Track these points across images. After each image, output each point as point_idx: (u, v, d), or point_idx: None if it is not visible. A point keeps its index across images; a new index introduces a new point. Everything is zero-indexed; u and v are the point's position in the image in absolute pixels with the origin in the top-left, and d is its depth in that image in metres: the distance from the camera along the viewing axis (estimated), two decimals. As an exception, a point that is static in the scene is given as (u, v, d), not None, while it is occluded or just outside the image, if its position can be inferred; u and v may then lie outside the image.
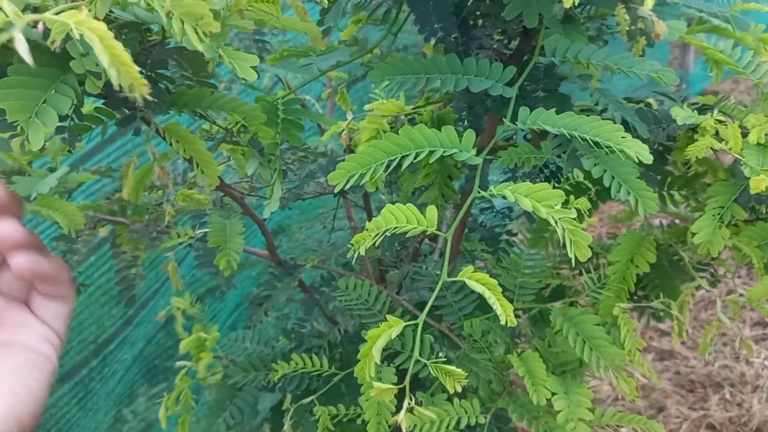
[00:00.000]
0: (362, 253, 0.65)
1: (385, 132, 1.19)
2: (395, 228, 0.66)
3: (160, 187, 0.97)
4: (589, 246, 1.39)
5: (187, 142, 0.79)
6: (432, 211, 0.68)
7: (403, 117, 1.23)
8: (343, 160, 1.32)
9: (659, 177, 1.14)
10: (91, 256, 1.89)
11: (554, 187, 1.09)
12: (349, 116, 1.19)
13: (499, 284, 1.23)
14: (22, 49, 0.49)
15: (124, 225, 1.10)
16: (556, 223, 0.64)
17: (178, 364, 1.31)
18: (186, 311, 1.49)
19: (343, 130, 1.23)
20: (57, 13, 0.56)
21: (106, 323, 2.18)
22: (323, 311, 1.27)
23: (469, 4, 0.98)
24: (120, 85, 0.55)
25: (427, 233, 1.38)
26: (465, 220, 1.25)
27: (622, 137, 0.71)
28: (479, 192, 0.73)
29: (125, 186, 0.80)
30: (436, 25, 0.93)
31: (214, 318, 2.41)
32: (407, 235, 1.39)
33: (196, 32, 0.56)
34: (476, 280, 0.65)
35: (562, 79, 1.02)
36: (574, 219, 0.65)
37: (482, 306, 1.25)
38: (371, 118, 1.18)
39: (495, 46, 1.01)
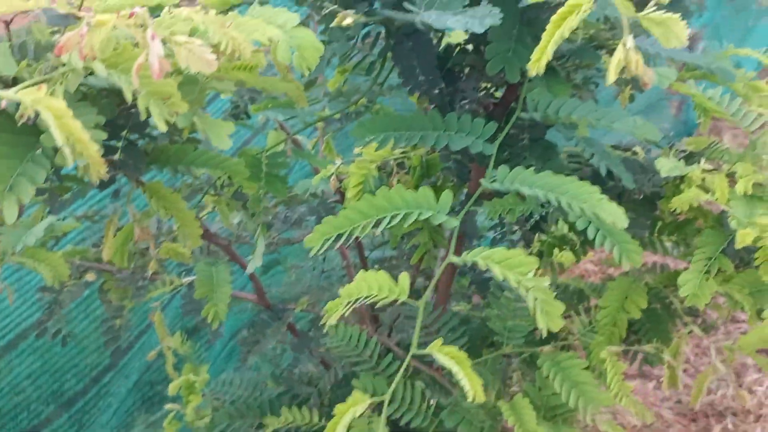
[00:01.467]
0: (333, 322, 0.65)
1: (373, 177, 1.20)
2: (367, 297, 0.66)
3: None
4: (581, 287, 1.38)
5: (169, 201, 0.79)
6: (404, 278, 0.68)
7: (392, 162, 1.24)
8: (333, 205, 1.33)
9: (648, 222, 1.13)
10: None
11: (539, 240, 1.09)
12: (338, 161, 1.19)
13: (489, 328, 1.23)
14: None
15: (111, 273, 1.10)
16: (527, 292, 0.64)
17: (167, 407, 1.31)
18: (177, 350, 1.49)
19: (332, 175, 1.23)
20: (21, 90, 0.57)
21: (103, 353, 2.17)
22: (314, 355, 1.27)
23: (453, 56, 0.99)
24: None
25: (421, 268, 1.37)
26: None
27: (598, 199, 0.71)
28: (454, 258, 0.72)
29: (105, 247, 0.80)
30: (420, 78, 0.93)
31: (209, 349, 2.40)
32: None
33: (162, 111, 0.56)
34: (445, 353, 0.64)
35: (548, 127, 1.02)
36: (546, 287, 0.64)
37: (473, 348, 1.24)
38: (360, 163, 1.18)
39: (481, 95, 1.01)
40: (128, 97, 0.56)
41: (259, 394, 1.27)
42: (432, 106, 1.02)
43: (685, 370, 3.09)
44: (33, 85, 0.58)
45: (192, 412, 1.32)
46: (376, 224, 0.72)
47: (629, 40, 0.56)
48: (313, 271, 1.39)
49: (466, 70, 1.01)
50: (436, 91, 0.98)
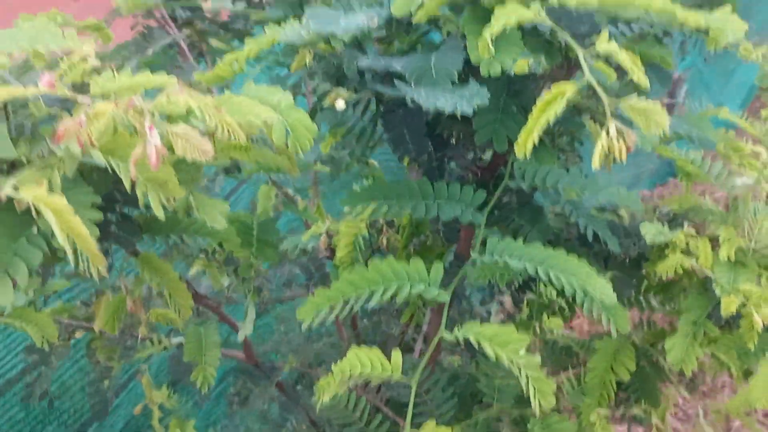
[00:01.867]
0: (326, 400, 0.65)
1: (363, 236, 1.21)
2: (360, 373, 0.66)
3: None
4: (569, 344, 1.38)
5: (161, 272, 0.80)
6: (396, 355, 0.68)
7: (381, 220, 1.25)
8: (324, 262, 1.33)
9: (635, 281, 1.14)
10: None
11: (527, 304, 1.10)
12: (327, 223, 1.20)
13: (477, 389, 1.23)
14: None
15: (100, 332, 1.10)
16: (519, 370, 0.64)
17: (153, 466, 1.28)
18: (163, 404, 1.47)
19: (321, 234, 1.24)
20: (22, 179, 0.57)
21: (86, 404, 2.14)
22: (303, 411, 1.26)
23: (442, 123, 1.01)
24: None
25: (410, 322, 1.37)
26: (440, 321, 1.25)
27: (587, 274, 0.72)
28: (445, 334, 0.73)
29: (98, 319, 0.80)
30: (409, 145, 0.95)
31: (197, 394, 2.37)
32: (388, 327, 1.36)
33: (159, 197, 0.57)
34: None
35: (535, 190, 1.04)
36: (538, 365, 0.65)
37: (463, 406, 1.24)
38: (350, 222, 1.20)
39: (469, 160, 1.03)
40: (127, 185, 0.57)
41: (247, 454, 1.25)
42: (421, 170, 1.04)
43: (674, 414, 3.08)
44: (33, 171, 0.59)
45: (179, 470, 1.31)
46: (369, 297, 0.73)
47: (612, 128, 0.58)
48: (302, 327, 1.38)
49: (455, 135, 1.04)
50: (425, 157, 1.00)
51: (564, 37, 0.71)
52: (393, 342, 1.47)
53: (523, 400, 1.29)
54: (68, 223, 0.49)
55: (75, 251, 0.51)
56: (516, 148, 0.64)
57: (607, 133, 0.59)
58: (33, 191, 0.49)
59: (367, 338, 1.52)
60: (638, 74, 0.62)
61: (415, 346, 1.49)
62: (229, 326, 1.09)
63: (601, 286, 0.71)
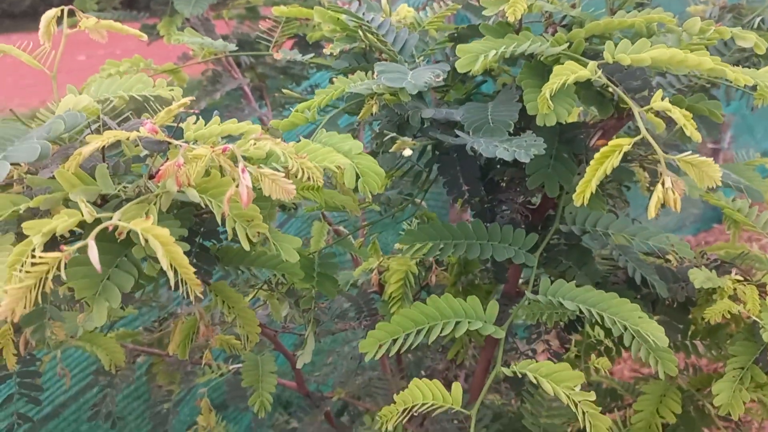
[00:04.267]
0: (390, 428, 0.69)
1: (413, 273, 1.25)
2: (422, 405, 0.70)
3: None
4: (613, 387, 1.39)
5: (233, 301, 0.85)
6: (457, 388, 0.72)
7: (431, 258, 1.30)
8: (372, 297, 1.38)
9: (682, 326, 1.16)
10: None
11: (574, 344, 1.12)
12: (380, 259, 1.25)
13: (521, 423, 1.25)
14: (93, 257, 0.56)
15: (161, 356, 1.15)
16: (575, 406, 0.67)
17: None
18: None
19: (373, 269, 1.29)
20: (126, 212, 0.64)
21: (132, 427, 2.20)
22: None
23: (494, 167, 1.06)
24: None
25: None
26: (489, 358, 1.28)
27: (639, 317, 0.75)
28: (501, 370, 0.76)
29: (172, 343, 0.85)
30: (463, 188, 1.00)
31: (239, 421, 2.40)
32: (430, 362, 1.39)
33: (246, 231, 0.63)
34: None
35: (585, 233, 1.07)
36: (594, 401, 0.68)
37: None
38: (400, 259, 1.24)
39: (519, 203, 1.07)
40: (219, 220, 0.63)
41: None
42: (473, 212, 1.09)
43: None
44: (132, 205, 0.65)
45: (226, 497, 1.34)
46: (428, 332, 0.77)
47: (667, 181, 0.62)
48: (350, 359, 1.42)
49: (506, 179, 1.08)
50: (478, 199, 1.05)
51: (618, 92, 0.75)
52: (437, 377, 1.49)
53: (566, 440, 1.30)
54: (171, 252, 0.55)
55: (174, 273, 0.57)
56: (574, 197, 0.68)
57: (663, 185, 0.62)
58: (141, 223, 0.55)
59: (411, 373, 1.55)
60: (691, 130, 0.66)
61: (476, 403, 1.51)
62: (283, 355, 1.14)
63: (653, 330, 0.74)
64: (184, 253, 0.78)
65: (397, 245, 1.33)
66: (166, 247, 0.54)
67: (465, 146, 1.02)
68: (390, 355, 1.50)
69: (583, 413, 0.68)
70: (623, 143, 0.64)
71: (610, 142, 0.65)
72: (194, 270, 0.79)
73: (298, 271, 0.91)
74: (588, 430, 0.68)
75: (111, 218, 0.61)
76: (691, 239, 4.26)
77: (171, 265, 0.55)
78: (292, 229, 2.31)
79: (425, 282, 1.30)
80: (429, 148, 1.02)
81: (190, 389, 2.19)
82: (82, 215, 0.61)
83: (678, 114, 0.66)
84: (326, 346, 1.72)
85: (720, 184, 0.63)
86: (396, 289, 1.22)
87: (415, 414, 1.37)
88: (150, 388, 1.25)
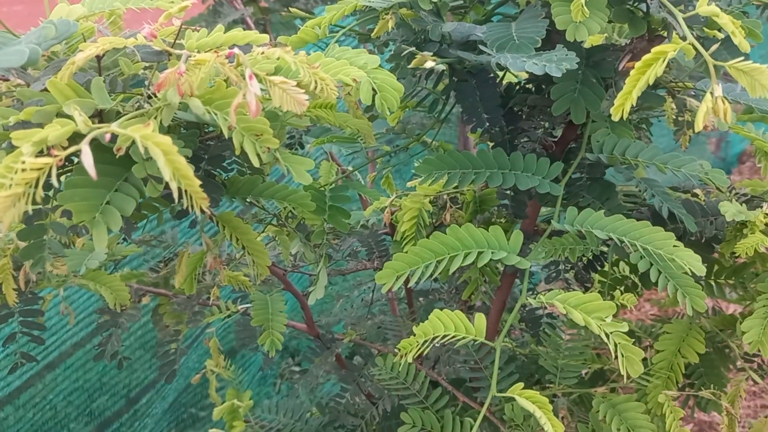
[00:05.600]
0: (410, 360, 0.65)
1: (427, 211, 1.20)
2: (443, 337, 0.66)
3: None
4: (631, 329, 1.36)
5: (240, 231, 0.81)
6: (480, 319, 0.68)
7: (445, 196, 1.24)
8: (383, 238, 1.33)
9: (706, 265, 1.12)
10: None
11: (599, 280, 1.08)
12: (393, 196, 1.20)
13: (540, 366, 1.22)
14: (88, 163, 0.51)
15: (167, 297, 1.12)
16: (607, 337, 0.63)
17: (211, 431, 1.31)
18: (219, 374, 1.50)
19: (385, 208, 1.24)
20: (124, 124, 0.59)
21: (140, 375, 2.19)
22: (360, 388, 1.27)
23: (514, 95, 1.00)
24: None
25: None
26: (504, 298, 1.24)
27: (674, 246, 0.71)
28: (527, 301, 0.72)
29: (178, 276, 0.81)
30: (483, 116, 0.94)
31: (247, 369, 2.40)
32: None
33: (255, 147, 0.58)
34: (527, 397, 0.64)
35: (608, 167, 1.02)
36: (626, 333, 0.64)
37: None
38: (413, 197, 1.19)
39: (540, 135, 1.02)
40: (226, 133, 0.57)
41: (304, 424, 1.27)
42: (491, 144, 1.03)
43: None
44: (130, 119, 0.60)
45: (236, 438, 1.33)
46: (449, 262, 0.72)
47: (717, 89, 0.56)
48: (362, 300, 1.39)
49: (527, 109, 1.02)
50: (497, 129, 0.99)
51: (667, 4, 0.69)
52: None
53: (584, 382, 1.27)
54: (173, 161, 0.50)
55: (179, 190, 0.52)
56: (612, 111, 0.63)
57: (712, 93, 0.57)
58: (141, 130, 0.50)
59: (421, 317, 1.52)
60: (740, 38, 0.60)
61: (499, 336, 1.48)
62: (293, 295, 1.10)
63: (689, 258, 0.69)
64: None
65: (409, 183, 1.29)
66: (167, 156, 0.49)
67: (485, 72, 0.96)
68: (401, 295, 1.47)
69: (615, 345, 0.64)
70: (668, 49, 0.58)
71: (653, 49, 0.59)
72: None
73: (309, 203, 0.86)
74: (621, 361, 0.64)
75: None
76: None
77: (174, 176, 0.50)
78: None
79: (439, 221, 1.25)
80: (446, 73, 0.96)
81: (198, 336, 2.18)
82: (76, 125, 0.56)
83: (726, 19, 0.60)
84: (336, 291, 1.69)
85: (771, 93, 0.57)
86: (409, 227, 1.17)
87: (434, 347, 1.33)
88: (157, 330, 1.22)
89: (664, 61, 0.58)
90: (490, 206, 1.19)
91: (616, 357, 0.64)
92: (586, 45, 0.95)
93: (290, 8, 0.98)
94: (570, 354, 1.15)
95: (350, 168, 1.48)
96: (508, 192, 1.07)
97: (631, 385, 1.11)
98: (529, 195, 1.05)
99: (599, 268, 1.13)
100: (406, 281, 1.39)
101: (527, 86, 1.02)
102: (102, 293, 1.03)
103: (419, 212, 1.18)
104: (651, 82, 0.59)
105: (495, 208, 1.22)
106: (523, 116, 1.02)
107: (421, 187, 1.21)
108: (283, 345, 1.02)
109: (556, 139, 1.04)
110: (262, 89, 0.56)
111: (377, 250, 1.32)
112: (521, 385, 0.67)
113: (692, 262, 0.69)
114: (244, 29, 1.45)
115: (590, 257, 1.11)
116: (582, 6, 0.67)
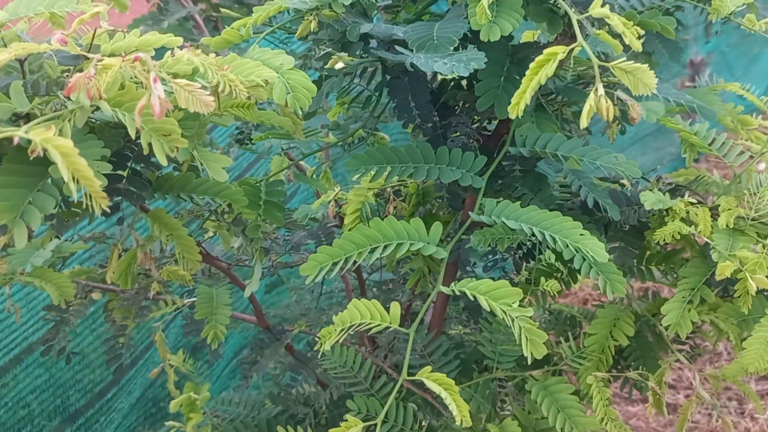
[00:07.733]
0: (327, 348, 0.68)
1: (370, 203, 1.23)
2: (360, 324, 0.69)
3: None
4: (571, 313, 1.40)
5: (170, 227, 0.83)
6: (395, 307, 0.71)
7: (389, 189, 1.28)
8: (333, 230, 1.36)
9: (637, 251, 1.16)
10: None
11: (527, 269, 1.12)
12: (336, 189, 1.23)
13: (480, 353, 1.26)
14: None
15: (115, 293, 1.14)
16: (512, 321, 0.67)
17: (167, 424, 1.34)
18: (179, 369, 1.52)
19: (330, 201, 1.27)
20: (34, 127, 0.61)
21: (108, 369, 2.21)
22: (311, 375, 1.30)
23: (447, 91, 1.03)
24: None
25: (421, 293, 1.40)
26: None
27: (581, 235, 0.74)
28: (443, 288, 0.76)
29: (110, 270, 0.84)
30: (414, 112, 0.97)
31: (213, 367, 2.43)
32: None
33: (163, 146, 0.60)
34: (434, 380, 0.67)
35: (538, 160, 1.05)
36: (530, 317, 0.67)
37: (466, 371, 1.27)
38: (357, 190, 1.23)
39: (473, 129, 1.05)
40: (132, 134, 0.60)
41: (257, 414, 1.30)
42: (425, 138, 1.06)
43: (687, 396, 3.09)
44: (44, 121, 0.62)
45: (192, 429, 1.35)
46: (370, 253, 0.75)
47: (600, 88, 0.60)
48: (313, 293, 1.42)
49: (460, 104, 1.06)
50: (430, 124, 1.02)
51: (561, 2, 0.72)
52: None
53: (525, 365, 1.32)
54: (73, 163, 0.52)
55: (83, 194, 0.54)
56: (509, 109, 0.66)
57: (596, 92, 0.60)
58: (41, 134, 0.53)
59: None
60: (630, 38, 0.64)
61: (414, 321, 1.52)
62: (239, 287, 1.13)
63: (592, 245, 0.73)
64: (115, 177, 0.76)
65: (353, 177, 1.32)
66: (66, 158, 0.52)
67: (415, 68, 0.99)
68: (351, 291, 1.50)
69: (520, 328, 0.68)
70: (558, 51, 0.62)
71: (545, 50, 0.63)
72: (126, 195, 0.77)
73: (241, 198, 0.89)
74: (524, 344, 0.68)
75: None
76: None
77: (74, 178, 0.53)
78: (262, 170, 2.28)
79: (384, 214, 1.29)
80: (379, 72, 0.99)
81: (164, 331, 2.20)
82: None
83: (617, 21, 0.64)
84: (295, 284, 1.72)
85: (655, 91, 0.61)
86: (353, 220, 1.20)
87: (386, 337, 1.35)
88: (109, 325, 1.24)
89: (554, 62, 0.62)
90: (432, 198, 1.22)
91: (521, 341, 0.68)
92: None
93: (221, 9, 1.00)
94: (509, 340, 1.19)
95: (304, 163, 1.51)
96: (444, 184, 1.10)
97: (564, 368, 1.15)
98: (464, 187, 1.08)
99: (537, 258, 1.17)
100: (359, 271, 1.42)
101: (460, 82, 1.06)
102: (47, 290, 1.05)
103: (362, 205, 1.21)
104: (543, 82, 0.63)
105: (438, 200, 1.25)
106: (457, 111, 1.05)
107: (365, 180, 1.24)
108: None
109: (489, 133, 1.08)
110: (168, 92, 0.59)
111: (326, 241, 1.35)
112: (429, 368, 0.71)
113: (596, 250, 0.73)
114: (192, 27, 1.48)
115: (530, 247, 1.15)
116: (485, 9, 0.70)
